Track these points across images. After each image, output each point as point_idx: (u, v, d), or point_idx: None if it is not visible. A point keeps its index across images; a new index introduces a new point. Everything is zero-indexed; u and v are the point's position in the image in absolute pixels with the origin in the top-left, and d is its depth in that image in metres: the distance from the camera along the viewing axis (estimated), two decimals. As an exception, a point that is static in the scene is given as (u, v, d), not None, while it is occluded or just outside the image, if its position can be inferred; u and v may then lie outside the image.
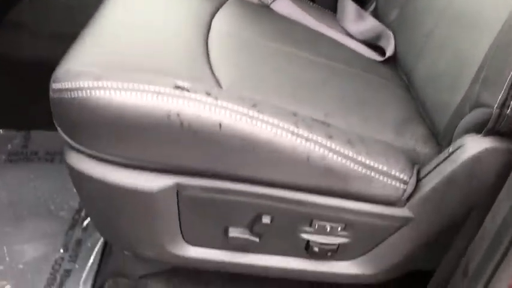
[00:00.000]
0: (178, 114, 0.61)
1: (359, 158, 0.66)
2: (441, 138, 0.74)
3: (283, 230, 0.72)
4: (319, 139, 0.65)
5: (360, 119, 0.74)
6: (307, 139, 0.64)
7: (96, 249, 0.95)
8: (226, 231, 0.72)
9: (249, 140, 0.63)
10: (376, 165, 0.66)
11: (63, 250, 0.96)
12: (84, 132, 0.65)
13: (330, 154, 0.65)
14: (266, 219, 0.70)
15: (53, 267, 0.92)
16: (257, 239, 0.72)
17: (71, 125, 0.66)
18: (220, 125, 0.62)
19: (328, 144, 0.65)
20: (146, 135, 0.63)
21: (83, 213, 1.02)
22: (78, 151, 0.67)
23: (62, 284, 0.90)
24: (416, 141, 0.74)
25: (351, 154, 0.65)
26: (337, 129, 0.68)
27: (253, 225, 0.71)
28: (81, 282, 0.90)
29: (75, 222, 1.01)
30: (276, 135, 0.63)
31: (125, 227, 0.74)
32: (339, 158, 0.65)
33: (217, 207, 0.70)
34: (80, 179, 0.70)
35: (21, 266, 0.93)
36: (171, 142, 0.63)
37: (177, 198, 0.68)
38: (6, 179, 1.11)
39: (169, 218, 0.70)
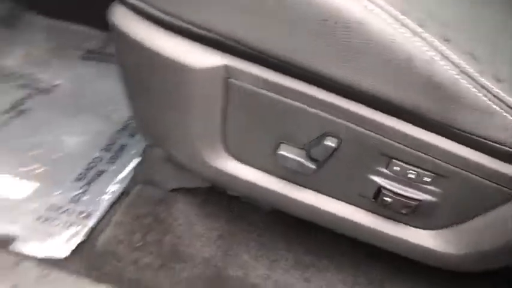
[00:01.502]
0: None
1: (481, 79, 0.46)
2: None
3: (349, 163, 0.54)
4: (429, 37, 0.46)
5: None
6: (413, 32, 0.45)
7: (136, 158, 0.84)
8: (277, 148, 0.56)
9: (332, 14, 0.45)
10: (505, 96, 0.46)
11: (104, 151, 0.86)
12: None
13: (442, 61, 0.45)
14: (331, 142, 0.53)
15: (88, 164, 0.83)
16: (313, 167, 0.55)
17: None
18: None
19: (442, 48, 0.46)
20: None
21: (135, 120, 0.93)
22: (126, 4, 0.55)
23: (90, 182, 0.80)
24: None
25: (470, 70, 0.46)
26: (459, 37, 0.48)
27: (312, 147, 0.54)
28: (110, 185, 0.79)
29: (124, 127, 0.91)
30: (370, 12, 0.45)
31: (161, 115, 0.61)
32: (453, 71, 0.45)
33: (271, 112, 0.54)
34: (122, 42, 0.57)
35: (60, 154, 0.85)
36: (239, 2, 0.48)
37: (225, 89, 0.53)
38: (76, 73, 1.06)
39: (210, 115, 0.55)
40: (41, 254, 0.69)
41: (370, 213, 0.58)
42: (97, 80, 1.03)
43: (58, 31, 1.15)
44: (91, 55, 1.11)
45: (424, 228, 0.57)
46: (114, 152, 0.85)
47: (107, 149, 0.86)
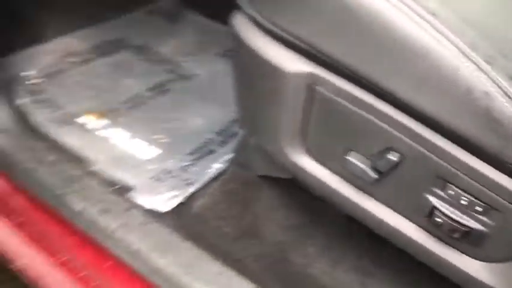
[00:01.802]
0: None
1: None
2: None
3: (408, 179, 0.59)
4: (494, 73, 0.49)
5: None
6: (478, 67, 0.49)
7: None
8: (346, 154, 0.63)
9: (408, 42, 0.51)
10: None
11: (217, 134, 0.99)
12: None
13: (502, 98, 0.48)
14: (393, 157, 0.58)
15: (202, 143, 0.97)
16: (376, 176, 0.60)
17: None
18: (385, 15, 0.52)
19: (505, 85, 0.49)
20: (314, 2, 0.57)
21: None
22: (244, 12, 0.66)
23: (199, 158, 0.93)
24: None
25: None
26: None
27: (377, 158, 0.60)
28: (215, 163, 0.92)
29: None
30: (440, 44, 0.50)
31: (257, 110, 0.71)
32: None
33: (345, 120, 0.61)
34: (236, 44, 0.69)
35: (183, 131, 1.00)
36: (334, 20, 0.56)
37: (309, 93, 0.62)
38: (214, 67, 1.21)
39: (295, 114, 0.64)
40: (147, 205, 0.84)
41: (423, 231, 0.61)
42: (230, 75, 1.18)
43: (207, 29, 1.33)
44: (229, 53, 1.26)
45: (475, 258, 0.59)
46: (225, 137, 0.99)
47: (219, 133, 1.00)
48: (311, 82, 0.61)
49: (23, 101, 1.03)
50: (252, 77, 0.68)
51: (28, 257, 0.90)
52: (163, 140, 0.98)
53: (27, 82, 1.07)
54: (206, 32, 1.32)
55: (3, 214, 0.93)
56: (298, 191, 0.80)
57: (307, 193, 0.77)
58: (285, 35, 0.61)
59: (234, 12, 0.69)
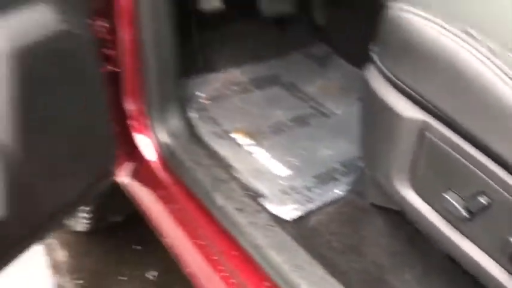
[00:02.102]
0: (456, 58, 0.67)
1: None
2: None
3: (495, 222, 0.68)
4: None
5: None
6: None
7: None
8: (445, 192, 0.73)
9: (505, 104, 0.62)
10: None
11: (341, 165, 1.15)
12: (389, 51, 0.79)
13: None
14: (483, 200, 0.68)
15: (327, 170, 1.13)
16: (466, 215, 0.70)
17: (383, 42, 0.80)
18: (488, 82, 0.64)
19: None
20: (429, 65, 0.71)
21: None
22: (376, 66, 0.82)
23: (323, 182, 1.10)
24: None
25: None
26: None
27: (470, 199, 0.70)
28: (335, 189, 1.07)
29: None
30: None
31: (375, 146, 0.85)
32: None
33: (447, 164, 0.72)
34: (366, 89, 0.85)
35: (314, 158, 1.18)
36: (444, 81, 0.69)
37: (419, 137, 0.74)
38: (352, 108, 1.36)
39: (405, 152, 0.77)
40: (273, 211, 1.02)
41: (504, 272, 0.69)
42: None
43: (350, 75, 1.49)
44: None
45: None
46: (349, 168, 1.13)
47: (344, 164, 1.14)
48: (422, 128, 0.74)
49: (193, 115, 1.30)
50: (374, 118, 0.83)
51: (175, 236, 1.14)
52: (295, 163, 1.16)
53: (199, 100, 1.34)
54: (349, 78, 1.49)
55: (164, 199, 1.18)
56: (404, 223, 0.91)
57: (412, 226, 0.88)
58: (405, 87, 0.75)
59: (368, 64, 0.84)
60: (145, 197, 1.25)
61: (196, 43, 1.36)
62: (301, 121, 1.33)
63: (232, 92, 1.41)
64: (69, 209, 1.08)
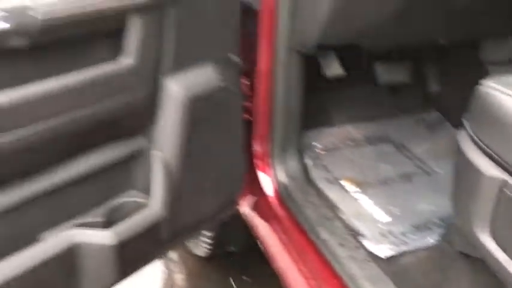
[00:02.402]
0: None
1: None
2: None
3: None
4: None
5: None
6: None
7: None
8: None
9: None
10: None
11: (438, 218, 1.28)
12: (477, 120, 0.94)
13: None
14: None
15: (423, 220, 1.28)
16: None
17: (474, 112, 0.96)
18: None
19: None
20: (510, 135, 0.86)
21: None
22: (466, 131, 0.97)
23: (419, 230, 1.25)
24: None
25: None
26: None
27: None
28: (428, 237, 1.21)
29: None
30: None
31: (461, 198, 0.99)
32: None
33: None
34: (457, 150, 1.00)
35: (411, 209, 1.32)
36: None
37: (498, 193, 0.88)
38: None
39: (486, 205, 0.90)
40: (371, 249, 1.18)
41: None
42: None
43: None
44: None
45: None
46: (444, 221, 1.26)
47: (440, 217, 1.28)
48: (501, 185, 0.87)
49: (308, 161, 1.51)
50: (462, 176, 0.97)
51: (284, 262, 1.33)
52: (395, 212, 1.32)
53: (315, 149, 1.56)
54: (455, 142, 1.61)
55: (277, 230, 1.40)
56: (486, 271, 1.02)
57: (493, 274, 0.99)
58: (489, 151, 0.89)
59: (461, 129, 1.00)
60: (262, 227, 1.48)
61: (318, 100, 1.59)
62: (405, 177, 1.48)
63: (345, 145, 1.61)
64: (198, 227, 1.34)
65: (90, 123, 0.89)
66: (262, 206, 1.48)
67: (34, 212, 0.89)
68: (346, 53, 1.45)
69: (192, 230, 1.28)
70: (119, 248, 0.91)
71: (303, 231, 1.30)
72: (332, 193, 1.39)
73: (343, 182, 1.44)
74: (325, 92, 1.68)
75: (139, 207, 1.00)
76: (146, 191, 1.04)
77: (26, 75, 0.77)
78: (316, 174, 1.46)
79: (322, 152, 1.57)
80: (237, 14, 1.13)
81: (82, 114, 0.87)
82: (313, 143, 1.59)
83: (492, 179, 0.89)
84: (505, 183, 0.87)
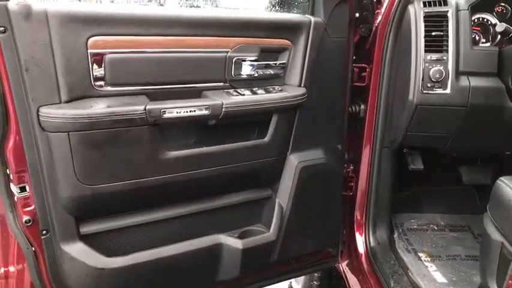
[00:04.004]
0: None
1: None
2: None
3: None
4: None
5: None
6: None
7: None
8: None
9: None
10: None
11: None
12: (494, 206, 1.34)
13: None
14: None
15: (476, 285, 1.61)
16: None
17: (492, 200, 1.36)
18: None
19: None
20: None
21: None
22: (488, 216, 1.37)
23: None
24: None
25: None
26: None
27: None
28: None
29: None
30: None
31: (481, 261, 1.36)
32: None
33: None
34: (483, 232, 1.38)
35: (469, 280, 1.66)
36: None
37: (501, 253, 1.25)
38: None
39: (493, 263, 1.28)
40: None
41: None
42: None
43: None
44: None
45: None
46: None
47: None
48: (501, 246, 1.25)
49: (395, 234, 1.94)
50: (484, 245, 1.36)
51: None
52: (453, 278, 1.67)
53: (402, 227, 1.98)
54: None
55: (362, 281, 1.83)
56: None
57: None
58: (499, 227, 1.28)
59: (485, 213, 1.39)
60: (353, 283, 1.91)
61: (409, 190, 2.03)
62: (472, 257, 1.81)
63: (429, 228, 2.00)
64: (300, 269, 1.84)
65: (239, 174, 1.50)
66: (355, 264, 1.93)
67: (199, 221, 1.51)
68: (430, 153, 1.91)
69: (295, 261, 1.78)
70: (244, 253, 1.49)
71: (379, 282, 1.72)
72: (407, 258, 1.79)
73: (420, 254, 1.83)
74: (421, 187, 2.11)
75: (262, 233, 1.58)
76: (268, 224, 1.61)
77: (209, 139, 1.43)
78: (399, 244, 1.88)
79: (408, 230, 1.98)
80: (343, 116, 1.71)
81: (236, 167, 1.48)
82: (402, 222, 2.01)
83: (496, 242, 1.27)
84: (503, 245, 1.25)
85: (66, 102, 1.18)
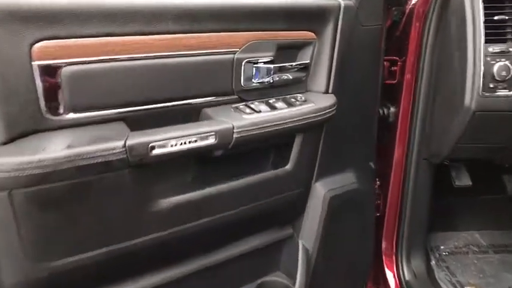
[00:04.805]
0: None
1: None
2: None
3: None
4: None
5: None
6: None
7: None
8: None
9: None
10: None
11: None
12: None
13: None
14: None
15: None
16: None
17: None
18: None
19: None
20: None
21: None
22: None
23: None
24: None
25: None
26: None
27: None
28: None
29: None
30: None
31: None
32: None
33: None
34: None
35: None
36: None
37: None
38: None
39: None
40: None
41: None
42: None
43: None
44: None
45: None
46: None
47: None
48: None
49: (432, 262, 1.60)
50: None
51: None
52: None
53: (439, 251, 1.65)
54: None
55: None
56: None
57: None
58: None
59: None
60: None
61: (445, 205, 1.70)
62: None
63: (470, 250, 1.67)
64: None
65: (253, 216, 1.12)
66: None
67: (202, 280, 1.13)
68: (476, 165, 1.57)
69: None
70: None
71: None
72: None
73: (465, 287, 1.50)
74: (453, 199, 1.78)
75: (284, 286, 1.20)
76: (289, 272, 1.24)
77: (212, 174, 1.03)
78: (440, 275, 1.55)
79: (447, 254, 1.65)
80: (374, 129, 1.34)
81: (249, 210, 1.10)
82: (438, 245, 1.68)
83: None
84: None
85: (4, 144, 0.77)
